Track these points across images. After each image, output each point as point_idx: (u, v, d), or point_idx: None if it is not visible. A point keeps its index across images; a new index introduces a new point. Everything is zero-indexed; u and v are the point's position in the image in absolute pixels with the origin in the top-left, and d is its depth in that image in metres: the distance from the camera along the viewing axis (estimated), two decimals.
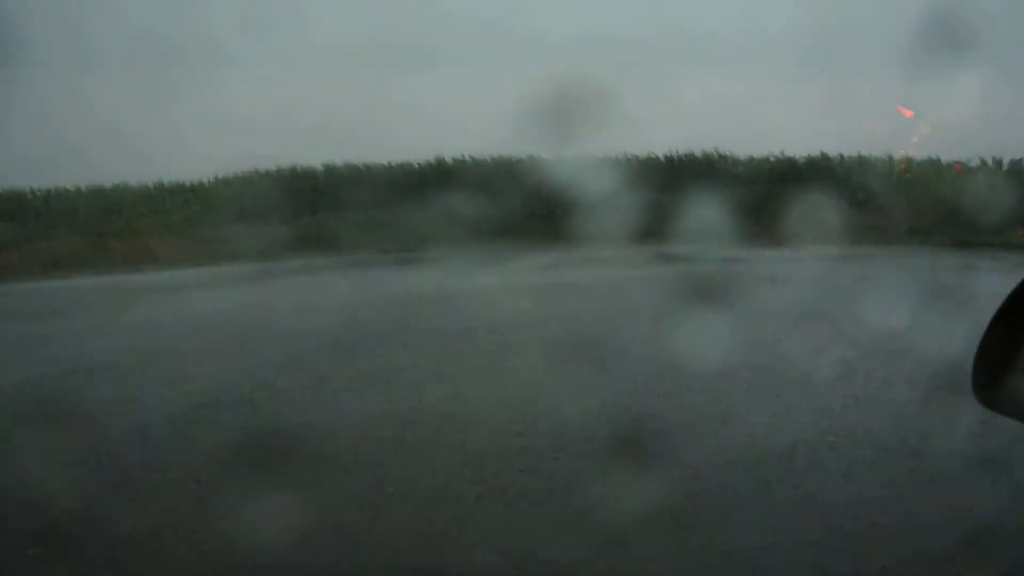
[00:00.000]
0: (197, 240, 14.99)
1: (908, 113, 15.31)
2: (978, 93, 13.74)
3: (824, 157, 16.25)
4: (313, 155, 17.69)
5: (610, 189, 12.22)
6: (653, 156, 16.97)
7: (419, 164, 17.59)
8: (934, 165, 15.92)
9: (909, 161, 15.96)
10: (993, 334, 1.17)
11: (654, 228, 13.04)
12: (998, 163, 15.42)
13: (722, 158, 16.72)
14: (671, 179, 15.15)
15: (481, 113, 16.83)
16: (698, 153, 16.86)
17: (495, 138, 16.41)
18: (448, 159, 17.70)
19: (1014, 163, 15.41)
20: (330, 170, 17.87)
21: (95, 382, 5.64)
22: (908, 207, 14.44)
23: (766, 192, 14.04)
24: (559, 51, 17.59)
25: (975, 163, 15.81)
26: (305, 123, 17.01)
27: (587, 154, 15.60)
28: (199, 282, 11.76)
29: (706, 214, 12.55)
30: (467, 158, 17.70)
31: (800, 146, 16.74)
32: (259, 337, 7.06)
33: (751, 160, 16.48)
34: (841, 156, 16.38)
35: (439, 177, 16.88)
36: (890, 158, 15.92)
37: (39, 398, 5.24)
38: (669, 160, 17.05)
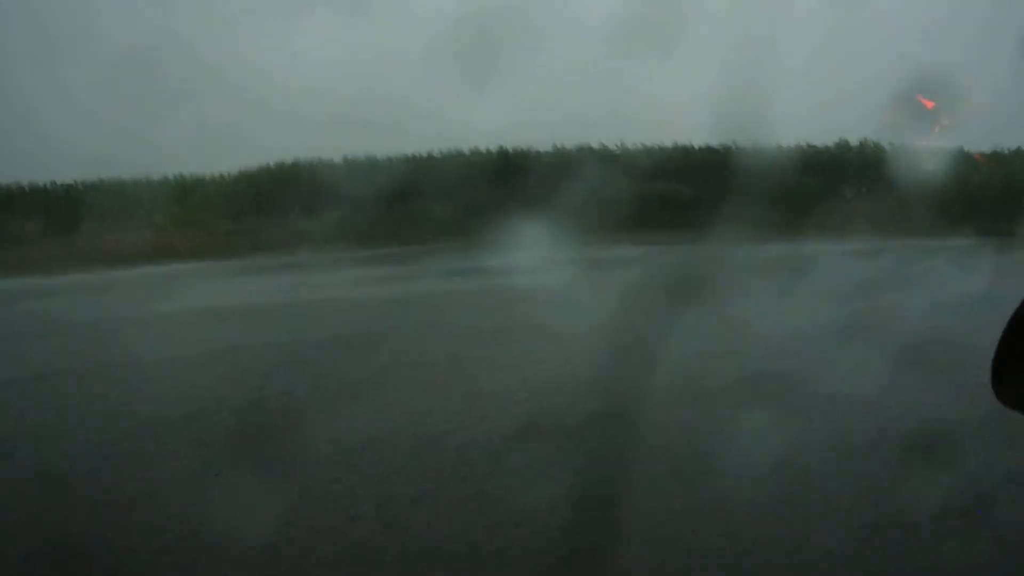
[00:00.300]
0: (214, 233, 15.15)
1: (929, 104, 15.11)
2: (998, 83, 13.58)
3: (843, 146, 16.13)
4: (335, 148, 17.81)
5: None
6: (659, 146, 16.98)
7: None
8: (955, 155, 15.71)
9: (931, 151, 15.75)
10: (1011, 332, 1.15)
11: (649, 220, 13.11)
12: (1019, 152, 15.22)
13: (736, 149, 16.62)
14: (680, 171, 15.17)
15: None
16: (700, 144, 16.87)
17: None
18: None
19: None
20: (350, 163, 17.93)
21: None
22: (929, 198, 14.26)
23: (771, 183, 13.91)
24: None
25: (1003, 151, 15.67)
26: (325, 116, 17.12)
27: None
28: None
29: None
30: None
31: (820, 135, 16.69)
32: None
33: (769, 149, 16.34)
34: (863, 143, 16.25)
35: None
36: (911, 148, 15.73)
37: None
38: (686, 151, 17.00)
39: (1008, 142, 15.63)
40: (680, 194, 14.86)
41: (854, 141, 16.32)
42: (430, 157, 17.49)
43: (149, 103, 13.35)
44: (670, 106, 17.18)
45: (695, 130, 17.16)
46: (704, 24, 20.92)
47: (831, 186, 13.81)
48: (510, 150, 17.53)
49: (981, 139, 15.72)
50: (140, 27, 17.50)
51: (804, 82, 16.25)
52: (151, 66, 12.22)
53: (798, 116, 16.35)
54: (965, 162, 15.39)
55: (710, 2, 21.27)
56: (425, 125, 16.86)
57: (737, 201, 13.91)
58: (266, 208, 15.13)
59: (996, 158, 15.48)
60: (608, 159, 15.59)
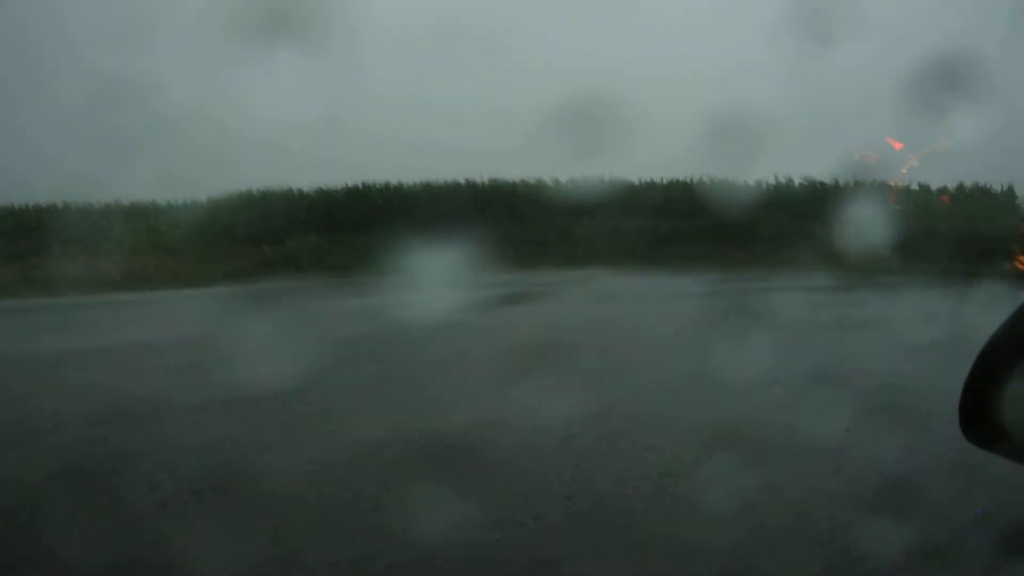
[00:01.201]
0: (190, 260, 15.13)
1: (897, 145, 15.34)
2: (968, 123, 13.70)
3: (812, 183, 16.29)
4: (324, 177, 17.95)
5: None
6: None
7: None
8: (924, 193, 15.87)
9: (899, 190, 15.91)
10: (978, 372, 1.19)
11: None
12: (984, 190, 15.33)
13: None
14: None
15: None
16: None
17: None
18: None
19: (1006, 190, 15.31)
20: (325, 193, 18.03)
21: None
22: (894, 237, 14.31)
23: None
24: None
25: (969, 187, 15.80)
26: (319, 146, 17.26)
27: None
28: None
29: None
30: None
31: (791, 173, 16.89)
32: None
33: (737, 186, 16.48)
34: (834, 183, 16.40)
35: None
36: (882, 185, 15.89)
37: None
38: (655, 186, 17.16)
39: (981, 179, 15.74)
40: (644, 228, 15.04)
41: (823, 180, 16.49)
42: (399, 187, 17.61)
43: (118, 131, 13.38)
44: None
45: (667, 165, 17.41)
46: (682, 63, 21.20)
47: (793, 223, 13.91)
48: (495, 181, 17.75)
49: (956, 176, 15.91)
50: (114, 56, 17.61)
51: (775, 121, 16.45)
52: (122, 96, 12.30)
53: (768, 155, 16.54)
54: (932, 201, 15.53)
55: (691, 45, 21.58)
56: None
57: (701, 236, 14.06)
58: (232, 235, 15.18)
59: (964, 196, 15.59)
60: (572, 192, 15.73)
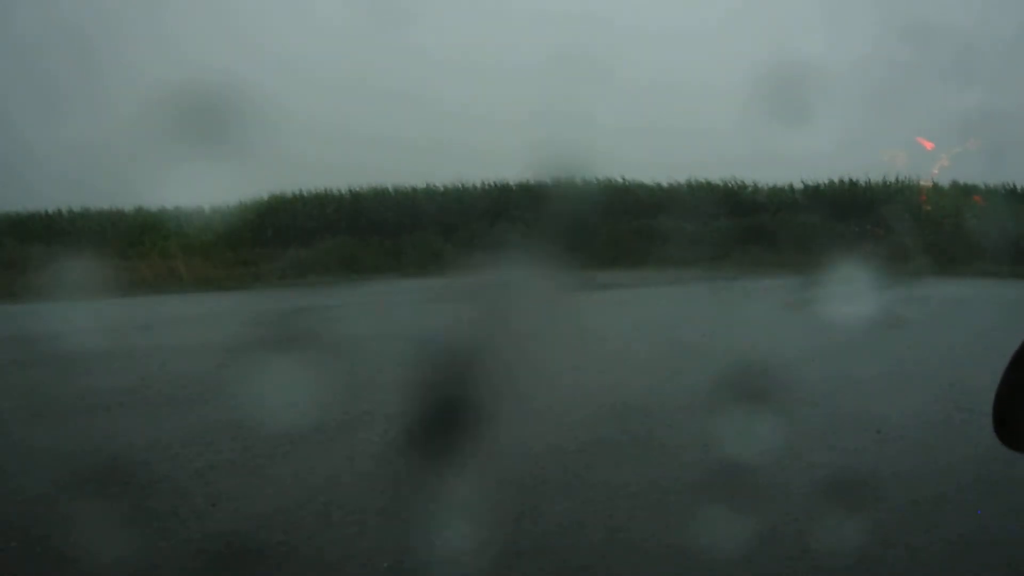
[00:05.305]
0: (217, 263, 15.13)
1: (928, 145, 15.25)
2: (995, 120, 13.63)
3: (851, 184, 16.13)
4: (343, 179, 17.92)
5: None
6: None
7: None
8: (956, 192, 15.73)
9: (930, 190, 15.80)
10: (1013, 373, 1.17)
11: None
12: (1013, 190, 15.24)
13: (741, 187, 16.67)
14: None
15: None
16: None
17: None
18: None
19: None
20: (356, 195, 17.99)
21: None
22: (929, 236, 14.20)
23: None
24: None
25: (998, 187, 15.67)
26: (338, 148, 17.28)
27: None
28: None
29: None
30: None
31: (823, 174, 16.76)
32: None
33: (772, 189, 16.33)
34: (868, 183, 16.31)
35: None
36: (914, 185, 15.77)
37: None
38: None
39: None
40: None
41: (859, 181, 16.37)
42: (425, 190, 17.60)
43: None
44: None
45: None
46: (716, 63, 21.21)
47: (825, 224, 13.86)
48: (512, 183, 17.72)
49: (988, 177, 15.79)
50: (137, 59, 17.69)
51: (808, 124, 16.39)
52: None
53: (802, 158, 16.46)
54: (964, 201, 15.40)
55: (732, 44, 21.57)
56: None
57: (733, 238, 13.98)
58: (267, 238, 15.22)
59: (997, 196, 15.47)
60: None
